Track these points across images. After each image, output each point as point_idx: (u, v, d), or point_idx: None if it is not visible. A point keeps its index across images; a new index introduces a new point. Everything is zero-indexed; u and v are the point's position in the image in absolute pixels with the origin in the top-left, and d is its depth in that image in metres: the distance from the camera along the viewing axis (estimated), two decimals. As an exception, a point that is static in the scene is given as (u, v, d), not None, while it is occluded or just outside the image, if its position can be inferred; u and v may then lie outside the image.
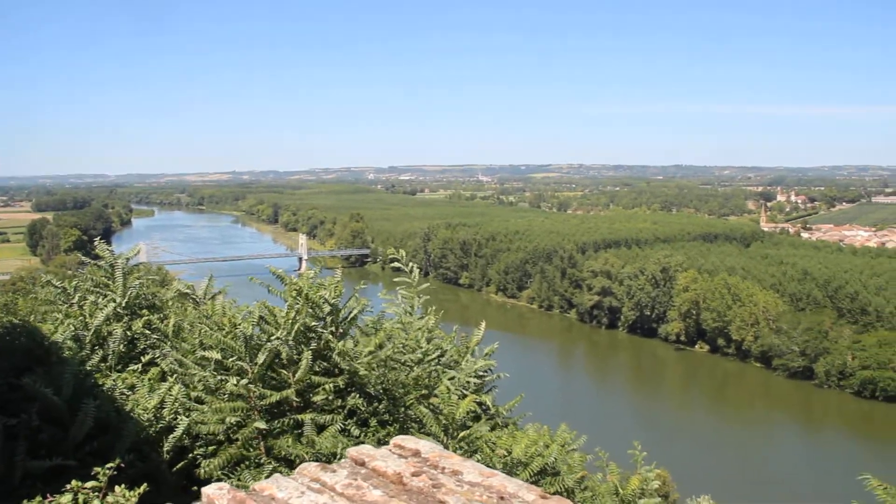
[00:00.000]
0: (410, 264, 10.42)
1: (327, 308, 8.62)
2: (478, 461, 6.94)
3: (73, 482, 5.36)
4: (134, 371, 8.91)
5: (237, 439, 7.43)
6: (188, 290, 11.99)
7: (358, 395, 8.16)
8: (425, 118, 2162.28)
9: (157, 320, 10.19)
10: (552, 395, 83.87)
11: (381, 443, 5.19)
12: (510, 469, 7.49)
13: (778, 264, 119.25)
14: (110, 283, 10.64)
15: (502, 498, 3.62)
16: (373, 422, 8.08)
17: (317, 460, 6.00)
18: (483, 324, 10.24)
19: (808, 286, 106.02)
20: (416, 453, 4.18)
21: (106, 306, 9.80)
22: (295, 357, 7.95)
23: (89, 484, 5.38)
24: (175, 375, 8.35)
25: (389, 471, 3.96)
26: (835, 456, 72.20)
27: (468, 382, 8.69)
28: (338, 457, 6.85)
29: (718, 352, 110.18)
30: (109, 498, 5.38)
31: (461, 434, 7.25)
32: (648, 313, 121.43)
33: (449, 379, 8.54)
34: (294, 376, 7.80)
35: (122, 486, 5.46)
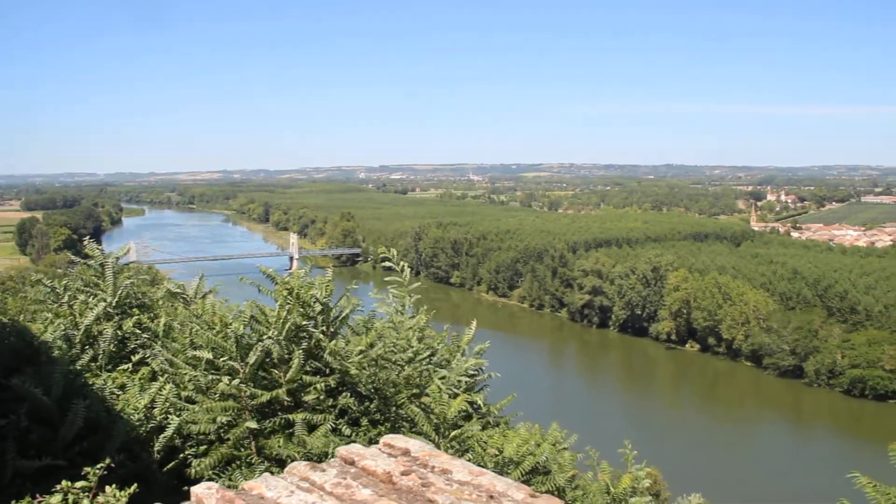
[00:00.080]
0: (402, 263, 10.41)
1: (318, 307, 8.61)
2: (469, 460, 6.95)
3: (63, 482, 5.34)
4: (124, 371, 8.88)
5: (228, 439, 7.42)
6: (179, 290, 11.95)
7: (349, 395, 8.16)
8: (416, 118, 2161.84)
9: (147, 320, 10.17)
10: (543, 394, 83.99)
11: (372, 442, 5.20)
12: (502, 468, 7.50)
13: (768, 263, 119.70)
14: (100, 282, 10.61)
15: (492, 497, 3.62)
16: (364, 421, 8.07)
17: (308, 460, 5.99)
18: (474, 323, 10.23)
19: (797, 285, 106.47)
20: (406, 452, 4.18)
21: (96, 306, 9.76)
22: (286, 356, 7.94)
23: (79, 484, 5.36)
24: (166, 375, 8.33)
25: (379, 470, 3.96)
26: (824, 454, 72.58)
27: (459, 381, 8.69)
28: (329, 456, 6.84)
29: (709, 351, 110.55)
30: (100, 498, 5.37)
31: (452, 433, 7.26)
32: (639, 312, 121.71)
33: (440, 378, 8.53)
34: (285, 376, 7.79)
35: (113, 486, 5.45)
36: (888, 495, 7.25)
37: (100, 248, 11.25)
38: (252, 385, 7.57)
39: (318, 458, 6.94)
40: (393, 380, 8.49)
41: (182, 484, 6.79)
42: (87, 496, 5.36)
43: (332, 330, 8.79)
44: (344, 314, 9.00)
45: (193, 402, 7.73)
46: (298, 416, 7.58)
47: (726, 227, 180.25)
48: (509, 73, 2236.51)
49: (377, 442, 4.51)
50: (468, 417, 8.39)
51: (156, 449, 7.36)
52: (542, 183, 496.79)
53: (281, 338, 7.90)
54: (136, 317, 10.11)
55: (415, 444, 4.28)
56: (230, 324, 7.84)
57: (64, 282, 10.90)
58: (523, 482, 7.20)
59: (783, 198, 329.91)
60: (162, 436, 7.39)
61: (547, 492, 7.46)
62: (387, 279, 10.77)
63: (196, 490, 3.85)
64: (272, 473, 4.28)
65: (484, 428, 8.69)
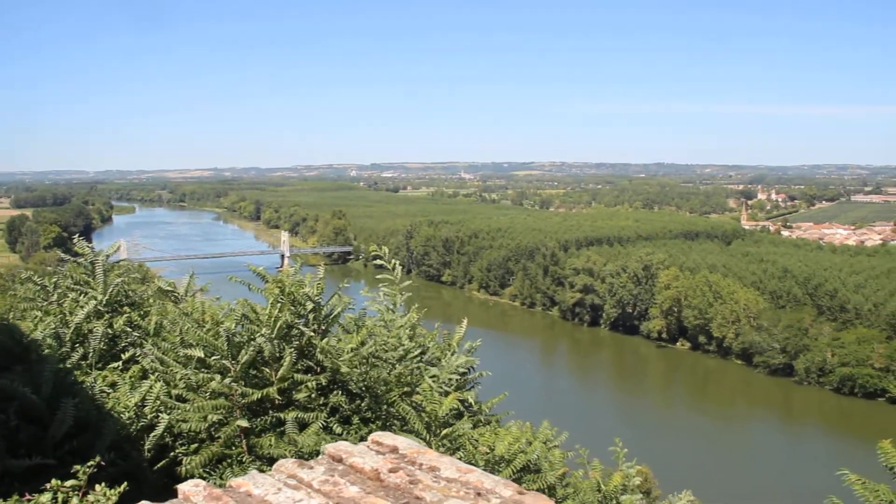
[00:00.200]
0: (393, 261, 10.40)
1: (310, 305, 8.60)
2: (460, 458, 6.96)
3: (53, 481, 5.32)
4: (115, 369, 8.86)
5: (219, 437, 7.41)
6: (170, 288, 11.92)
7: (340, 393, 8.15)
8: (408, 116, 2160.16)
9: (138, 318, 10.14)
10: (535, 393, 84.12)
11: (362, 440, 5.20)
12: (493, 466, 7.50)
13: (758, 262, 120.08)
14: (91, 280, 10.58)
15: (479, 494, 3.63)
16: (355, 419, 8.07)
17: (300, 457, 5.99)
18: (465, 321, 10.24)
19: (788, 284, 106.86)
20: (394, 450, 4.18)
21: (87, 304, 9.73)
22: (277, 355, 7.93)
23: (69, 483, 5.34)
24: (156, 374, 8.31)
25: (367, 467, 3.96)
26: (814, 452, 72.89)
27: (450, 380, 8.69)
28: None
29: (700, 349, 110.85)
30: (89, 497, 5.35)
31: (444, 431, 7.25)
32: (630, 311, 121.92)
33: (430, 377, 8.53)
34: (276, 374, 7.78)
35: (103, 484, 5.43)
36: (877, 492, 7.30)
37: (90, 245, 11.23)
38: (243, 383, 7.56)
39: (309, 456, 6.94)
40: (384, 378, 8.48)
41: (173, 482, 6.76)
42: (77, 495, 5.34)
43: (324, 328, 8.78)
44: (336, 312, 9.00)
45: (184, 401, 7.71)
46: (290, 415, 7.57)
47: (717, 225, 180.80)
48: (502, 73, 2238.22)
49: (366, 440, 4.51)
50: (459, 416, 8.39)
51: (146, 447, 7.34)
52: (534, 181, 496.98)
53: (273, 336, 7.89)
54: (127, 315, 10.08)
55: (403, 442, 4.29)
56: (222, 322, 7.83)
57: (54, 279, 10.87)
58: (514, 480, 7.22)
59: (774, 196, 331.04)
60: (152, 434, 7.37)
61: (538, 490, 7.48)
62: (378, 277, 10.76)
63: (183, 488, 3.85)
64: (262, 471, 4.27)
65: (475, 426, 8.70)
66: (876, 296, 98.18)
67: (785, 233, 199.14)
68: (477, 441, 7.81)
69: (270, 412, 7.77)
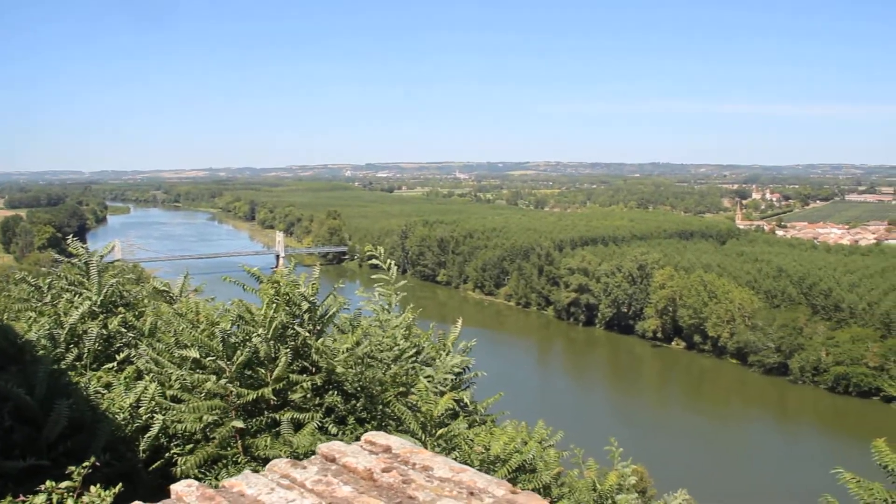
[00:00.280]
0: (388, 261, 10.40)
1: (305, 305, 8.60)
2: (456, 458, 6.96)
3: (47, 482, 5.29)
4: (110, 370, 8.84)
5: (214, 438, 7.40)
6: (165, 288, 11.91)
7: (335, 393, 8.15)
8: (403, 116, 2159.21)
9: (133, 318, 10.12)
10: (530, 392, 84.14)
11: (357, 440, 5.20)
12: (488, 466, 7.50)
13: (753, 261, 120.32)
14: (85, 280, 10.56)
15: (472, 493, 3.63)
16: (350, 419, 8.06)
17: (295, 458, 5.99)
18: (460, 321, 10.24)
19: (782, 283, 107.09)
20: (387, 449, 4.18)
21: (81, 304, 9.72)
22: (273, 355, 7.92)
23: (64, 484, 5.32)
24: (151, 374, 8.29)
25: (360, 467, 3.96)
26: (809, 450, 73.03)
27: (445, 380, 8.69)
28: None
29: (695, 348, 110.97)
30: (84, 498, 5.33)
31: (439, 431, 7.25)
32: (625, 310, 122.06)
33: (426, 377, 8.54)
34: (272, 374, 7.77)
35: (98, 485, 5.41)
36: (871, 490, 7.33)
37: (84, 246, 11.21)
38: (238, 384, 7.55)
39: (304, 456, 6.93)
40: (379, 378, 8.47)
41: (168, 483, 6.74)
42: (72, 496, 5.32)
43: (319, 328, 8.77)
44: (331, 313, 8.99)
45: (179, 401, 7.69)
46: (285, 416, 7.56)
47: (712, 225, 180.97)
48: (497, 73, 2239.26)
49: (361, 440, 4.51)
50: (455, 416, 8.39)
51: (141, 448, 7.33)
52: (529, 181, 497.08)
53: (269, 336, 7.88)
54: (122, 315, 10.06)
55: (396, 442, 4.29)
56: (217, 323, 7.82)
57: (48, 280, 10.86)
58: (510, 480, 7.23)
59: (768, 196, 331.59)
60: (147, 435, 7.36)
61: (533, 489, 7.49)
62: (373, 277, 10.76)
63: (176, 488, 3.84)
64: (255, 472, 4.26)
65: (471, 426, 8.70)
66: (870, 295, 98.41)
67: (779, 232, 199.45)
68: (472, 441, 7.82)
69: (266, 413, 7.76)
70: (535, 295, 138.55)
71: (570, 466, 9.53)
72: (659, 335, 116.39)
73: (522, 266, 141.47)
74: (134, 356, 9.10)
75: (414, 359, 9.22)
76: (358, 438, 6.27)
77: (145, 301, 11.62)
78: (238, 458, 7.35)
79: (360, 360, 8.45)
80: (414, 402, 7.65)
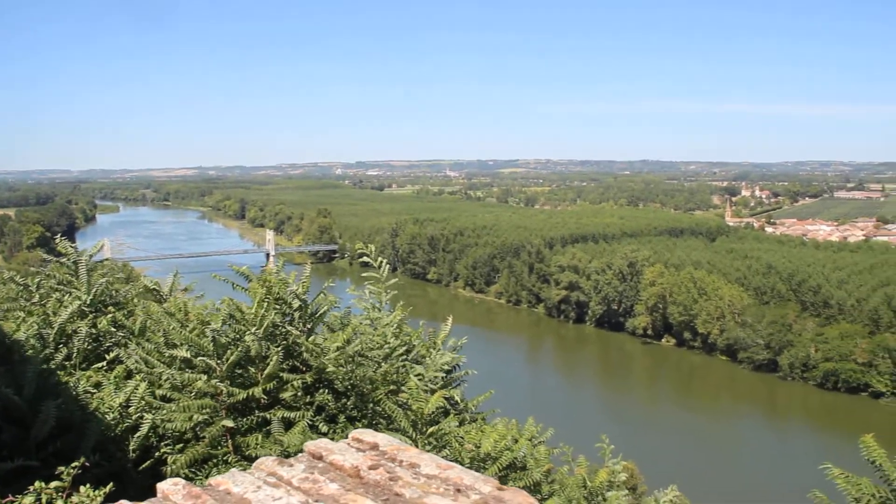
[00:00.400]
0: (379, 259, 10.39)
1: (296, 303, 8.59)
2: (447, 456, 6.97)
3: (37, 483, 5.28)
4: (99, 369, 8.81)
5: (204, 437, 7.38)
6: (155, 287, 11.88)
7: (326, 392, 8.15)
8: (393, 114, 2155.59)
9: (122, 317, 10.09)
10: (521, 390, 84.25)
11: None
12: (479, 464, 7.51)
13: (743, 258, 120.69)
14: (74, 280, 10.53)
15: (459, 490, 3.63)
16: (341, 418, 8.06)
17: (286, 456, 5.99)
18: (450, 318, 10.25)
19: (772, 280, 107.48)
20: (375, 447, 4.18)
21: (71, 304, 9.69)
22: (263, 354, 7.91)
23: (53, 484, 5.30)
24: (142, 374, 8.27)
25: (347, 464, 3.95)
26: (798, 446, 73.35)
27: (435, 377, 8.70)
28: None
29: (685, 345, 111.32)
30: (74, 498, 5.32)
31: (430, 429, 7.26)
32: (615, 307, 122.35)
33: (416, 375, 8.54)
34: (263, 373, 7.77)
35: (87, 485, 5.40)
36: (859, 486, 7.38)
37: (73, 245, 11.20)
38: (228, 383, 7.53)
39: (295, 455, 6.93)
40: (370, 376, 8.48)
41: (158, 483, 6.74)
42: (61, 496, 5.30)
43: (309, 327, 8.77)
44: (321, 311, 8.99)
45: (169, 401, 7.68)
46: (276, 414, 7.56)
47: (702, 222, 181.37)
48: (488, 72, 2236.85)
49: (348, 437, 4.51)
50: (445, 413, 8.40)
51: (131, 448, 7.31)
52: (519, 179, 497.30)
53: (260, 335, 7.88)
54: (112, 315, 10.04)
55: (383, 439, 4.29)
56: (208, 322, 7.81)
57: (37, 280, 10.82)
58: (500, 477, 7.24)
59: (757, 193, 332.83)
60: (137, 435, 7.34)
61: (524, 487, 7.50)
62: (364, 275, 10.75)
63: (162, 486, 3.83)
64: (243, 470, 4.26)
65: (461, 424, 8.71)
66: (859, 291, 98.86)
67: (769, 229, 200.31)
68: (463, 439, 7.82)
69: (256, 412, 7.76)
70: (525, 292, 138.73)
71: (560, 464, 9.55)
72: (649, 332, 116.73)
73: (513, 264, 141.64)
74: (123, 356, 9.08)
75: (404, 357, 9.22)
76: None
77: (135, 300, 11.59)
78: (228, 457, 7.35)
79: (350, 359, 8.45)
80: (404, 401, 7.66)
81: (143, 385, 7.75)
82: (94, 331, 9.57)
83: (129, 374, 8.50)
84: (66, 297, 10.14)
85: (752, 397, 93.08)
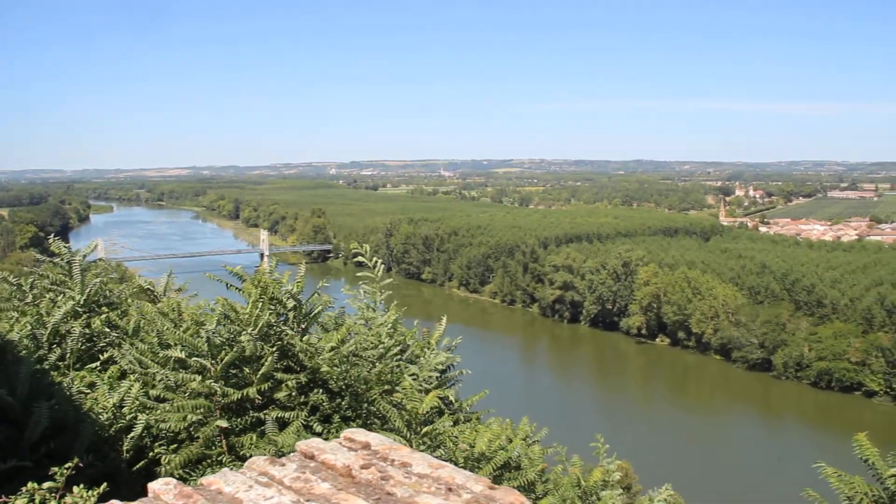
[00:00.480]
0: (374, 259, 10.38)
1: (291, 303, 8.58)
2: (441, 456, 6.97)
3: (29, 484, 5.26)
4: (93, 369, 8.79)
5: (199, 438, 7.37)
6: (149, 286, 11.86)
7: (320, 392, 8.13)
8: (388, 114, 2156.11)
9: (116, 317, 10.06)
10: (516, 390, 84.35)
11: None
12: (473, 463, 7.51)
13: (737, 258, 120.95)
14: (68, 280, 10.50)
15: (450, 489, 3.64)
16: (335, 418, 8.05)
17: (280, 456, 5.97)
18: (444, 318, 10.25)
19: (766, 279, 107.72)
20: (366, 446, 4.18)
21: (64, 304, 9.66)
22: (258, 354, 7.90)
23: (46, 485, 5.28)
24: (136, 374, 8.25)
25: (338, 464, 3.95)
26: (792, 445, 73.55)
27: (430, 377, 8.69)
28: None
29: (679, 345, 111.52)
30: (67, 499, 5.29)
31: (424, 429, 7.25)
32: (610, 307, 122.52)
33: (410, 375, 8.54)
34: (257, 373, 7.75)
35: (81, 486, 5.38)
36: (851, 484, 7.40)
37: (66, 245, 11.14)
38: (223, 383, 7.52)
39: (288, 454, 6.92)
40: (364, 376, 8.46)
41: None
42: (55, 497, 5.29)
43: (304, 326, 8.76)
44: (316, 311, 8.98)
45: (163, 401, 7.66)
46: (270, 415, 7.55)
47: (696, 222, 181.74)
48: (482, 71, 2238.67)
49: (340, 437, 4.50)
50: (440, 413, 8.40)
51: (125, 448, 7.29)
52: (513, 179, 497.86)
53: (255, 335, 7.87)
54: (106, 315, 10.01)
55: (375, 438, 4.29)
56: (203, 323, 7.79)
57: (30, 279, 10.79)
58: (495, 477, 7.25)
59: (751, 193, 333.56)
60: (130, 435, 7.32)
61: (518, 486, 7.51)
62: (358, 275, 10.74)
63: (153, 486, 3.82)
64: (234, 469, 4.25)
65: (456, 424, 8.71)
66: (852, 290, 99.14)
67: (762, 229, 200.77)
68: (457, 438, 7.82)
69: (251, 412, 7.74)
70: (519, 292, 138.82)
71: (555, 463, 9.56)
72: (643, 332, 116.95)
73: (507, 263, 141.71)
74: (117, 356, 9.05)
75: (399, 357, 9.22)
76: (342, 437, 6.27)
77: (129, 300, 11.56)
78: (223, 457, 7.33)
79: (345, 359, 8.44)
80: (399, 400, 7.65)
81: (137, 385, 7.73)
82: (87, 331, 9.54)
83: (123, 375, 8.48)
84: (59, 298, 10.10)
85: (746, 396, 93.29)
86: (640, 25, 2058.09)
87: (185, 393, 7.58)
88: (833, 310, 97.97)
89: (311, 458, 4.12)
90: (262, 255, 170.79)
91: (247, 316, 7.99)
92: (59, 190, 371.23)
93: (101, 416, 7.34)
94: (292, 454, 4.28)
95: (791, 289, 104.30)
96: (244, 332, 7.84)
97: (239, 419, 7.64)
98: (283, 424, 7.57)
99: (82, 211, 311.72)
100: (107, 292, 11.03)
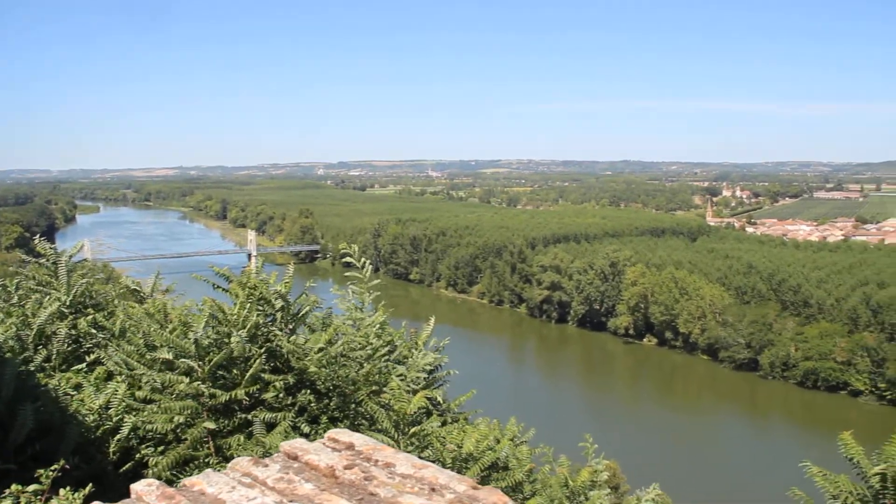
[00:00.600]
0: (363, 259, 10.36)
1: (279, 304, 8.56)
2: (428, 457, 6.96)
3: (14, 486, 5.23)
4: (79, 371, 8.74)
5: (186, 439, 7.34)
6: (136, 287, 11.80)
7: (308, 392, 8.12)
8: (375, 114, 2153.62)
9: (103, 318, 10.01)
10: (504, 390, 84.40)
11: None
12: (461, 464, 7.51)
13: (724, 258, 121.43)
14: (53, 280, 10.44)
15: (434, 489, 3.64)
16: (323, 419, 8.03)
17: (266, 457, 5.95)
18: (432, 319, 10.25)
19: (752, 279, 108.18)
20: (350, 446, 4.17)
21: (50, 305, 9.60)
22: (246, 355, 7.87)
23: (31, 487, 5.25)
24: (122, 376, 8.21)
25: (322, 464, 3.94)
26: (778, 444, 73.82)
27: (418, 378, 8.69)
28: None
29: (666, 345, 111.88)
30: (53, 501, 5.27)
31: (412, 430, 7.25)
32: (597, 307, 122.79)
33: (398, 375, 8.54)
34: (246, 375, 7.73)
35: (67, 488, 5.36)
36: (836, 483, 7.45)
37: (52, 246, 11.08)
38: (211, 384, 7.49)
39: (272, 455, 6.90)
40: (352, 377, 8.45)
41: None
42: (40, 500, 5.26)
43: (291, 327, 8.74)
44: (304, 311, 8.96)
45: (150, 403, 7.63)
46: (258, 416, 7.52)
47: (683, 222, 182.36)
48: (470, 72, 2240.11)
49: (324, 437, 4.50)
50: (428, 414, 8.39)
51: (111, 450, 7.26)
52: (501, 179, 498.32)
53: (245, 336, 7.85)
54: (92, 316, 9.96)
55: (359, 439, 4.28)
56: (191, 324, 7.76)
57: (16, 280, 10.72)
58: (482, 478, 7.25)
59: (738, 193, 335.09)
60: (117, 437, 7.29)
61: (506, 486, 7.51)
62: (346, 275, 10.73)
63: (136, 487, 3.81)
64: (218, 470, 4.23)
65: (443, 424, 8.70)
66: (838, 291, 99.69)
67: (749, 229, 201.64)
68: (445, 439, 7.81)
69: (238, 413, 7.72)
70: (507, 293, 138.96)
71: (542, 463, 9.57)
72: (631, 332, 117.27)
73: (495, 264, 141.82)
74: (104, 357, 9.00)
75: (387, 357, 9.21)
76: (330, 438, 6.25)
77: (115, 301, 11.50)
78: (210, 459, 7.30)
79: (333, 359, 8.43)
80: (387, 401, 7.64)
81: (124, 387, 7.70)
82: (73, 332, 9.49)
83: (109, 376, 8.43)
84: (45, 298, 10.04)
85: (733, 396, 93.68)
86: (629, 26, 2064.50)
87: (172, 394, 7.55)
88: (819, 310, 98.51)
89: (295, 458, 4.11)
90: (249, 256, 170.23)
91: (235, 317, 7.96)
92: (45, 190, 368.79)
93: (87, 418, 7.31)
94: (276, 455, 4.27)
95: (777, 289, 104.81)
96: (233, 334, 7.82)
97: (227, 420, 7.61)
98: (270, 426, 7.55)
99: (68, 211, 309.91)
100: (93, 293, 10.97)
